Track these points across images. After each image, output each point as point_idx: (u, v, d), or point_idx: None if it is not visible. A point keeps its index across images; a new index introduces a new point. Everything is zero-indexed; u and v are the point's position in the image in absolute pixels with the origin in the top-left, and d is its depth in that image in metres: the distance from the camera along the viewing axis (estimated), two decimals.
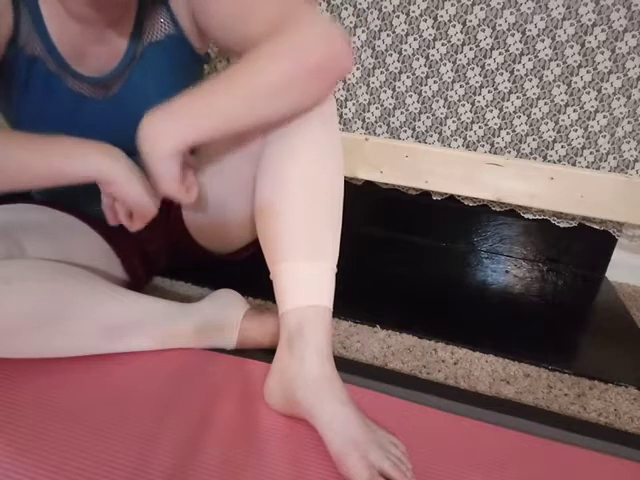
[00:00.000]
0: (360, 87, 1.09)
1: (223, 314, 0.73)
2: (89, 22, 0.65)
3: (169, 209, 0.84)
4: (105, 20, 0.65)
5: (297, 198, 0.62)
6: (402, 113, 1.09)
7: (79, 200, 0.77)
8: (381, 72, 1.07)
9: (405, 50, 1.04)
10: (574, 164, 1.06)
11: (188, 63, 0.73)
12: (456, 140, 1.09)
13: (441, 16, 1.00)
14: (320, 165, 0.63)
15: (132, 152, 0.74)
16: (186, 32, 0.70)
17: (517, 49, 1.00)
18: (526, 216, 1.15)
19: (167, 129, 0.56)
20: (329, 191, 0.64)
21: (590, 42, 0.96)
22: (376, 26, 1.03)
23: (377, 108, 1.10)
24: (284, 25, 0.57)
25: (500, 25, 0.98)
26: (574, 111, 1.02)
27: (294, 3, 0.59)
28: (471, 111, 1.06)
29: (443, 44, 1.02)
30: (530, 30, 0.98)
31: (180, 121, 0.56)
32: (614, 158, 1.03)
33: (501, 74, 1.02)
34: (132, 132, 0.71)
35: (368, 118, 1.12)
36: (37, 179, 0.59)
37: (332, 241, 0.65)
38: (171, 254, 0.88)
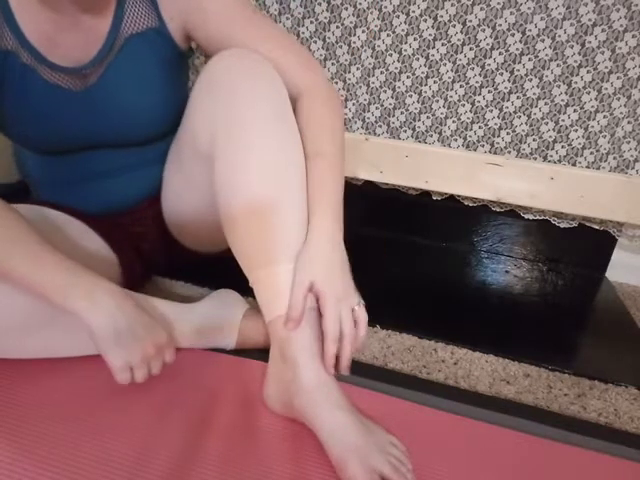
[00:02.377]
0: (360, 87, 1.09)
1: (223, 314, 0.73)
2: (62, 8, 0.64)
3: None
4: (79, 5, 0.64)
5: (268, 202, 0.60)
6: (402, 113, 1.09)
7: (72, 198, 0.77)
8: (381, 72, 1.07)
9: (405, 50, 1.04)
10: (574, 164, 1.06)
11: (170, 56, 0.72)
12: (456, 140, 1.09)
13: (441, 16, 1.00)
14: (284, 158, 0.61)
15: (111, 144, 0.74)
16: (169, 29, 0.70)
17: (517, 49, 0.99)
18: (526, 216, 1.14)
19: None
20: (298, 192, 0.62)
21: (590, 42, 0.96)
22: (376, 26, 1.03)
23: (377, 108, 1.10)
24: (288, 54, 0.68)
25: (500, 25, 0.98)
26: (574, 111, 1.02)
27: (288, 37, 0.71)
28: (471, 111, 1.06)
29: (443, 44, 1.02)
30: (530, 30, 0.98)
31: (340, 220, 0.64)
32: (614, 158, 1.03)
33: (501, 74, 1.02)
34: (111, 123, 0.71)
35: (368, 118, 1.12)
36: (21, 285, 0.57)
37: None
38: (168, 253, 0.88)
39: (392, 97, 1.09)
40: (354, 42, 1.05)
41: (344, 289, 0.59)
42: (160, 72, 0.71)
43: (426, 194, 1.16)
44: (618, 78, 0.97)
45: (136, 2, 0.67)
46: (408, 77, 1.06)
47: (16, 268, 0.55)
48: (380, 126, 1.12)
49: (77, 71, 0.67)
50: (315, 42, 1.07)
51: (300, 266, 0.59)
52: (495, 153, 1.09)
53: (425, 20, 1.01)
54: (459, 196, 1.15)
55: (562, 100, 1.01)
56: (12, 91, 0.66)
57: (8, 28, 0.63)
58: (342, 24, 1.04)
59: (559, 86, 1.00)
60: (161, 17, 0.68)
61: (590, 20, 0.95)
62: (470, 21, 0.99)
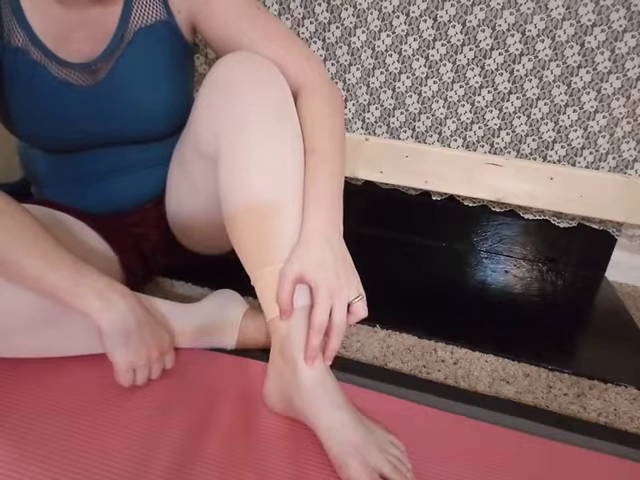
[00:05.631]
0: (360, 87, 1.09)
1: (223, 314, 0.73)
2: (72, 3, 0.64)
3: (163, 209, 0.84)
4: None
5: (269, 203, 0.60)
6: (402, 113, 1.09)
7: (76, 198, 0.77)
8: (381, 72, 1.07)
9: (405, 50, 1.04)
10: (574, 164, 1.06)
11: (178, 50, 0.73)
12: (456, 140, 1.09)
13: (441, 16, 1.00)
14: (286, 159, 0.61)
15: (119, 141, 0.74)
16: (178, 22, 0.70)
17: (517, 49, 1.00)
18: (526, 216, 1.15)
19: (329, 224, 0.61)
20: (298, 192, 0.62)
21: (590, 42, 0.96)
22: (376, 26, 1.03)
23: (377, 108, 1.10)
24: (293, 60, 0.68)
25: (500, 25, 0.98)
26: (574, 111, 1.02)
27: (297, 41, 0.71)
28: (471, 111, 1.06)
29: (443, 44, 1.02)
30: (530, 30, 0.98)
31: (337, 217, 0.63)
32: (613, 158, 1.03)
33: (501, 74, 1.02)
34: (120, 119, 0.71)
35: (368, 118, 1.12)
36: (33, 288, 0.57)
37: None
38: (169, 254, 0.88)
39: (392, 97, 1.09)
40: (354, 42, 1.05)
41: (338, 282, 0.58)
42: (168, 66, 0.71)
43: (426, 194, 1.16)
44: (617, 78, 0.97)
45: None
46: (408, 77, 1.06)
47: (29, 268, 0.55)
48: (380, 126, 1.12)
49: (87, 67, 0.67)
50: (315, 42, 1.07)
51: (288, 259, 0.59)
52: (495, 153, 1.09)
53: (425, 20, 1.01)
54: (459, 196, 1.15)
55: (562, 100, 1.01)
56: (22, 88, 0.66)
57: (18, 25, 0.64)
58: (342, 24, 1.04)
59: (559, 86, 1.00)
60: (169, 9, 0.69)
61: (590, 20, 0.95)
62: (470, 21, 0.99)
